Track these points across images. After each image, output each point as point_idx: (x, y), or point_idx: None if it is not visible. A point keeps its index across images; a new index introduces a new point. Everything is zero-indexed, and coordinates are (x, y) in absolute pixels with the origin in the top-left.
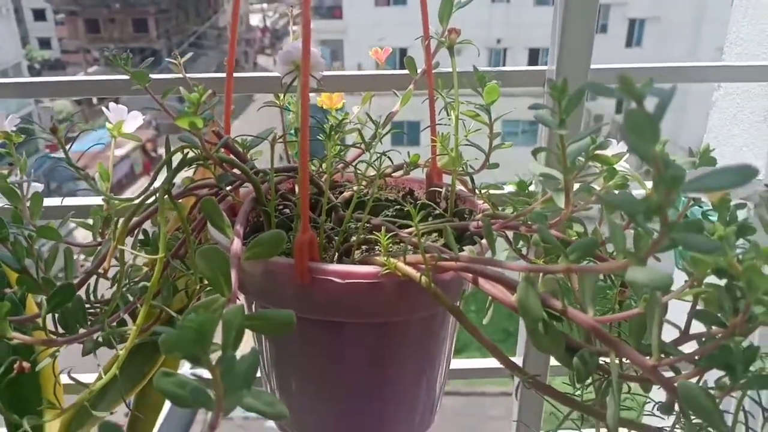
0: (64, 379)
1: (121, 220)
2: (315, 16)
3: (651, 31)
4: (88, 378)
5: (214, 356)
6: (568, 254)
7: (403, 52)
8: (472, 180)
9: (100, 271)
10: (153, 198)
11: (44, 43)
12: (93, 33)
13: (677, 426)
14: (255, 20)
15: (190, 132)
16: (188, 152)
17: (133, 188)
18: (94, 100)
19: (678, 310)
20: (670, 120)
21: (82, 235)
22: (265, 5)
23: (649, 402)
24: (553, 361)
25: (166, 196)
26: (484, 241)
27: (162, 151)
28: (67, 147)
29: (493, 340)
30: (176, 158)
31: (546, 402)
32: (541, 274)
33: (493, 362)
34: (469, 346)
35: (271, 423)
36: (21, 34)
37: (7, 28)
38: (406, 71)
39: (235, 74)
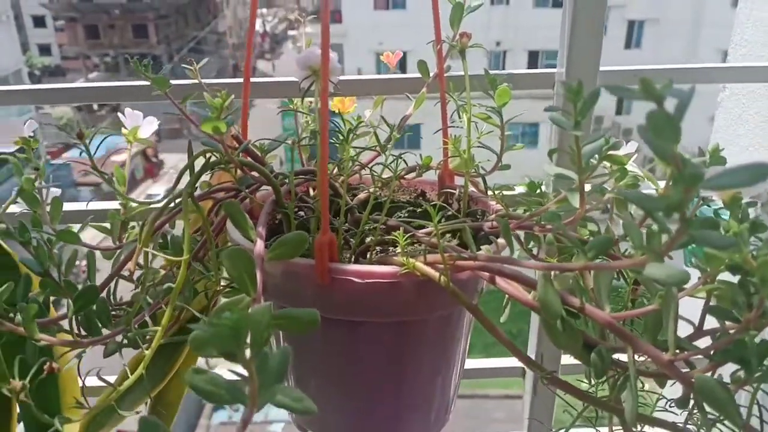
0: (87, 380)
1: (146, 223)
2: (314, 21)
3: (650, 33)
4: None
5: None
6: (586, 252)
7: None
8: (485, 181)
9: (126, 273)
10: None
11: (44, 50)
12: (93, 39)
13: (689, 422)
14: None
15: (212, 136)
16: (211, 156)
17: (135, 193)
18: (95, 106)
19: (689, 307)
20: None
21: (88, 238)
22: (264, 10)
23: (661, 399)
24: (564, 360)
25: (190, 199)
26: (500, 240)
27: (162, 156)
28: (67, 154)
29: (494, 342)
30: (176, 161)
31: (556, 402)
32: (553, 273)
33: (498, 362)
34: (474, 347)
35: (274, 428)
36: (21, 40)
37: (7, 34)
38: (418, 75)
39: (239, 80)
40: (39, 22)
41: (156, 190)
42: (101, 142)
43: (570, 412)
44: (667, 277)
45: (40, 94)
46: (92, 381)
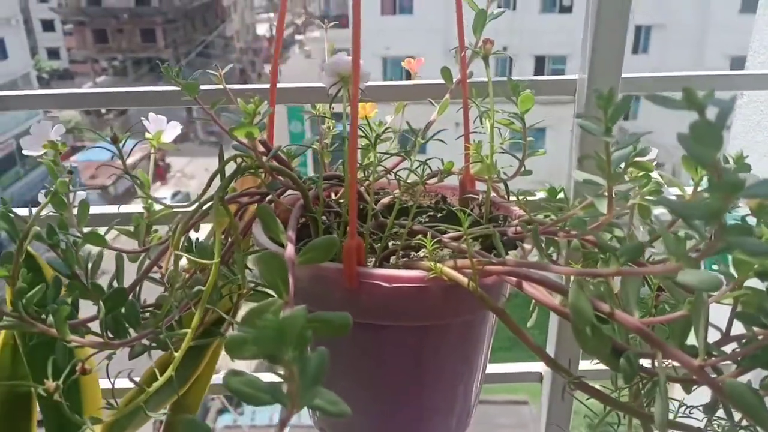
0: (105, 383)
1: (179, 226)
2: (316, 23)
3: (656, 38)
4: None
5: None
6: (618, 258)
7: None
8: (507, 187)
9: (156, 276)
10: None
11: (53, 53)
12: (101, 43)
13: (708, 428)
14: (262, 30)
15: (242, 142)
16: (242, 161)
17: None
18: (103, 110)
19: (712, 313)
20: (680, 128)
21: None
22: (272, 14)
23: (683, 405)
24: (582, 366)
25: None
26: (527, 245)
27: (168, 159)
28: (75, 157)
29: (500, 347)
30: (183, 165)
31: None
32: (573, 277)
33: (514, 368)
34: None
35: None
36: (30, 44)
37: (17, 38)
38: (441, 81)
39: (256, 86)
40: (48, 26)
41: (163, 193)
42: (134, 147)
43: (590, 417)
44: (700, 283)
45: (47, 98)
46: (108, 383)
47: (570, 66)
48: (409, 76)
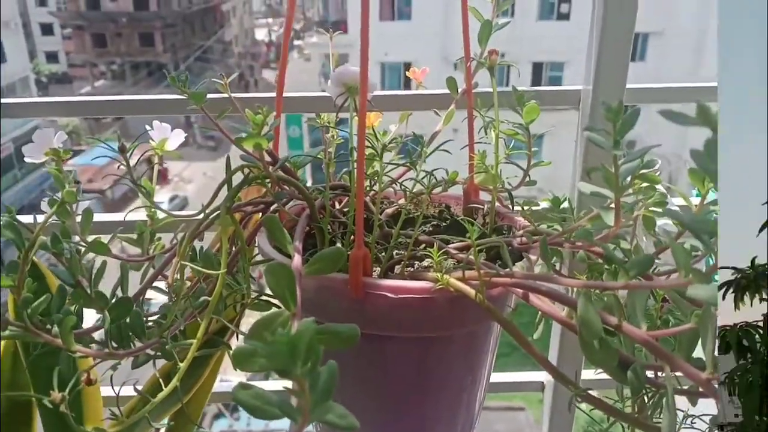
0: (105, 391)
1: (186, 236)
2: (320, 31)
3: (654, 46)
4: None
5: None
6: (627, 271)
7: (407, 65)
8: (511, 197)
9: (162, 285)
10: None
11: (51, 57)
12: (100, 47)
13: None
14: (260, 35)
15: (249, 152)
16: (250, 171)
17: (139, 201)
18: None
19: None
20: (675, 136)
21: None
22: (270, 20)
23: (688, 416)
24: (585, 375)
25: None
26: (533, 256)
27: (167, 163)
28: (72, 161)
29: (499, 353)
30: (180, 169)
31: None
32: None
33: (516, 377)
34: None
35: None
36: (29, 47)
37: (16, 41)
38: (445, 91)
39: (261, 94)
40: (47, 29)
41: (161, 197)
42: (141, 157)
43: (593, 429)
44: (708, 297)
45: (50, 107)
46: (108, 391)
47: (567, 73)
48: (407, 83)
